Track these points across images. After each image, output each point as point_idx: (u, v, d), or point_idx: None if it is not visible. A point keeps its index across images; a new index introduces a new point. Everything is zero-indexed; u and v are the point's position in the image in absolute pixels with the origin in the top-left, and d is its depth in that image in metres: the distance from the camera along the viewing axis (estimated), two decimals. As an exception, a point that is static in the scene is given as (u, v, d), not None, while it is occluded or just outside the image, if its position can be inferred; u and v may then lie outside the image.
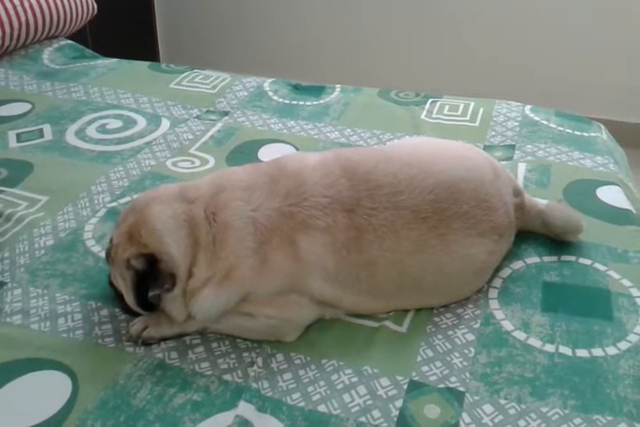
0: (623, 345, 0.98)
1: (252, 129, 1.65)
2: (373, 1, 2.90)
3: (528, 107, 1.75)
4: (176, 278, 0.96)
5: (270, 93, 1.85)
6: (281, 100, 1.82)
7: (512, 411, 0.88)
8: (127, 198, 1.34)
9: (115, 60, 2.09)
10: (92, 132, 1.63)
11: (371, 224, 1.00)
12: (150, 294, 0.96)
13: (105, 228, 1.25)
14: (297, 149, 1.55)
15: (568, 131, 1.63)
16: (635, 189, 1.46)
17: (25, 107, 1.75)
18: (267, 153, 1.52)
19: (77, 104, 1.76)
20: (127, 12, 2.95)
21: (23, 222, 1.26)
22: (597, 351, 0.97)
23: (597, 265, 1.15)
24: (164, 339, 1.00)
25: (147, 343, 0.99)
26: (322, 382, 0.93)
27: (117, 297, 1.04)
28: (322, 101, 1.81)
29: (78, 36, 2.32)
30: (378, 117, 1.71)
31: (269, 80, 1.93)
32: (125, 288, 0.99)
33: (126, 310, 1.04)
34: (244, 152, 1.54)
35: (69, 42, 2.19)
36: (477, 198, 1.05)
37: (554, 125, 1.65)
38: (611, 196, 1.35)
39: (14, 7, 1.93)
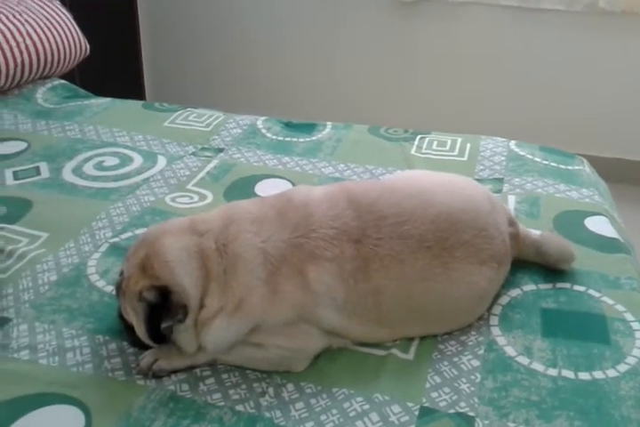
0: (622, 367, 1.02)
1: (247, 165, 1.69)
2: (360, 42, 3.02)
3: (513, 142, 1.82)
4: (188, 309, 0.98)
5: (264, 131, 1.90)
6: (274, 137, 1.86)
7: (522, 434, 0.91)
8: (129, 233, 1.36)
9: (108, 99, 2.12)
10: (89, 169, 1.65)
11: (377, 254, 1.03)
12: (163, 325, 0.97)
13: (108, 263, 1.26)
14: (293, 183, 1.59)
15: (553, 164, 1.70)
16: (619, 220, 1.52)
17: (21, 145, 1.76)
18: (263, 188, 1.56)
19: (73, 142, 1.79)
20: (115, 53, 3.01)
21: (25, 259, 1.27)
22: (598, 374, 1.01)
23: (591, 291, 1.19)
24: (175, 371, 1.01)
25: (157, 376, 1.00)
26: (334, 411, 0.94)
27: (126, 330, 1.05)
28: (314, 138, 1.86)
29: (66, 76, 2.35)
30: (369, 153, 1.76)
31: (262, 118, 1.98)
32: (137, 320, 1.00)
33: (134, 342, 1.05)
34: (241, 187, 1.57)
35: (62, 81, 2.22)
36: (476, 228, 1.10)
37: (539, 159, 1.72)
38: (598, 225, 1.41)
39: (11, 49, 1.97)
